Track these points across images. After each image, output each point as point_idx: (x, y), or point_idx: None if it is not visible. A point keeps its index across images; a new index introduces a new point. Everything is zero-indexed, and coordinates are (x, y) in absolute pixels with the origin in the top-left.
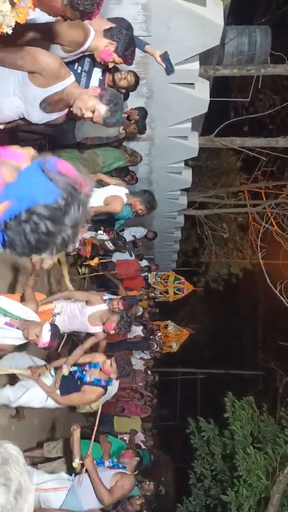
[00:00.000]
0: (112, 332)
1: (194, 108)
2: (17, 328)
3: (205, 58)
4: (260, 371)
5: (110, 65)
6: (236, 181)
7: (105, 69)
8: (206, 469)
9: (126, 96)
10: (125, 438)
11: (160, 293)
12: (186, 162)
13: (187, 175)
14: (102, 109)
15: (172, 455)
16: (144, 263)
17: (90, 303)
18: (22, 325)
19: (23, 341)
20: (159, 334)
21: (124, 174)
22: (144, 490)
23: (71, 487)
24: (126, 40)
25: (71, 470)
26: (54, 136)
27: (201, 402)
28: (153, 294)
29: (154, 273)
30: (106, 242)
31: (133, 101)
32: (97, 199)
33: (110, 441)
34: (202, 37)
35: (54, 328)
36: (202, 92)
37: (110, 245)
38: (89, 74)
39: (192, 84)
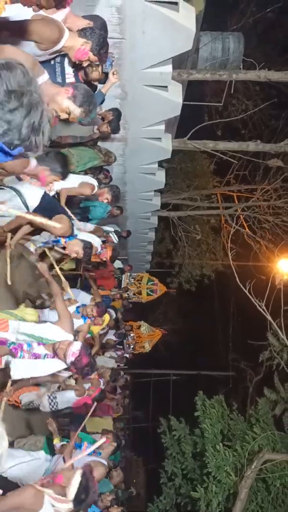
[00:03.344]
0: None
1: (167, 110)
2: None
3: (180, 62)
4: (230, 371)
5: (85, 64)
6: (209, 184)
7: (78, 67)
8: (177, 468)
9: (102, 101)
10: (97, 440)
11: (134, 294)
12: (160, 164)
13: (160, 176)
14: (77, 111)
15: (144, 457)
16: (118, 264)
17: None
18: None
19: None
20: (132, 334)
21: (98, 172)
22: (113, 479)
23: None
24: (101, 39)
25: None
26: None
27: (174, 403)
28: (126, 295)
29: (128, 274)
30: None
31: (108, 102)
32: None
33: (81, 437)
34: (174, 41)
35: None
36: (175, 95)
37: None
38: (63, 72)
39: (166, 87)
